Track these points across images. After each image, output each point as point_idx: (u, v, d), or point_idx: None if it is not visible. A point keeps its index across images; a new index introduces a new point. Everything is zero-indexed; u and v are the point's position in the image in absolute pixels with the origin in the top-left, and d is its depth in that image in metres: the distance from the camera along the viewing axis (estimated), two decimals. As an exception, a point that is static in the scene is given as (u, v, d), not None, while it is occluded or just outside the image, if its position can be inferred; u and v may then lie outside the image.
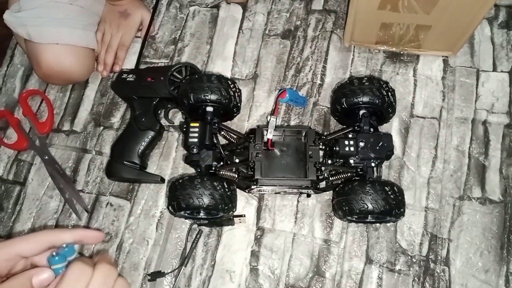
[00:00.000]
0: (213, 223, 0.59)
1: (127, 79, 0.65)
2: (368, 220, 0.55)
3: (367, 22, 0.62)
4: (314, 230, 0.59)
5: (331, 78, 0.67)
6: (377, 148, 0.54)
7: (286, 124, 0.65)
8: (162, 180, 0.63)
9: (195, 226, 0.60)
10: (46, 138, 0.69)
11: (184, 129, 0.57)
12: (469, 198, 0.59)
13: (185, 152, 0.61)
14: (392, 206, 0.51)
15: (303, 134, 0.59)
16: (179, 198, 0.52)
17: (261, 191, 0.59)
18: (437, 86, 0.66)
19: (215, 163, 0.56)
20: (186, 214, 0.55)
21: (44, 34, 0.64)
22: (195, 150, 0.55)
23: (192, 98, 0.56)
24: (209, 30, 0.73)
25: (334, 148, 0.56)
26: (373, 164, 0.54)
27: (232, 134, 0.60)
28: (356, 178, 0.56)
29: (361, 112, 0.57)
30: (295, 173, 0.57)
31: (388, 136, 0.55)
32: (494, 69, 0.66)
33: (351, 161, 0.55)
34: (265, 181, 0.55)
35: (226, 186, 0.53)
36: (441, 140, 0.63)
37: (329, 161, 0.58)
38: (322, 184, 0.59)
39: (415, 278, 0.56)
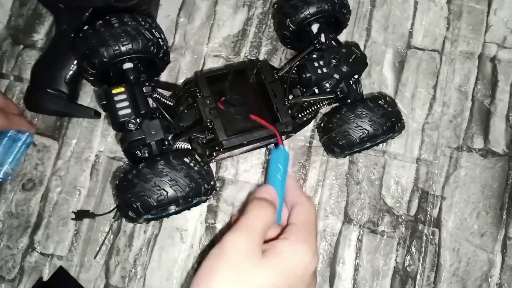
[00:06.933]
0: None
1: (52, -19, 0.50)
2: (370, 144, 0.46)
3: None
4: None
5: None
6: (351, 61, 0.44)
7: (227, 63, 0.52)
8: (97, 114, 0.50)
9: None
10: (-51, 57, 0.54)
11: (105, 103, 0.40)
12: (469, 149, 0.50)
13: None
14: (393, 120, 0.43)
15: (255, 71, 0.47)
16: (142, 197, 0.36)
17: (223, 157, 0.48)
18: (442, 11, 0.54)
19: (168, 134, 0.42)
20: (150, 216, 0.40)
21: None
22: (132, 126, 0.39)
23: (106, 55, 0.40)
24: None
25: (303, 76, 0.45)
26: (352, 82, 0.45)
27: (165, 95, 0.45)
28: (339, 104, 0.47)
29: (314, 26, 0.47)
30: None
31: (356, 45, 0.46)
32: (511, -7, 0.54)
33: (327, 85, 0.45)
34: (233, 141, 0.43)
35: (200, 160, 0.39)
36: (442, 78, 0.52)
37: (292, 96, 0.47)
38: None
39: (400, 241, 0.48)
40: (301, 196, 0.37)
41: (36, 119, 0.51)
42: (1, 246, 0.49)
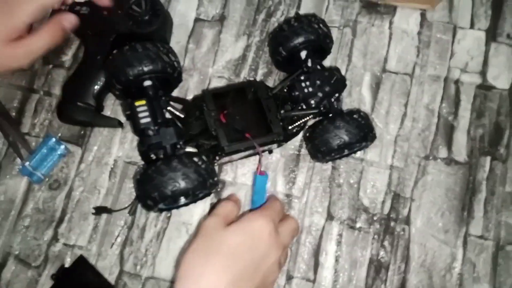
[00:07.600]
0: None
1: (80, 12, 0.58)
2: (348, 152, 0.54)
3: (345, -35, 0.57)
4: (276, 184, 0.57)
5: (303, 25, 0.63)
6: (332, 82, 0.53)
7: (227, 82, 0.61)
8: (120, 124, 0.58)
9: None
10: (-13, 74, 0.62)
11: (129, 113, 0.49)
12: (434, 158, 0.58)
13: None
14: (366, 131, 0.52)
15: (252, 90, 0.54)
16: (160, 187, 0.44)
17: (224, 161, 0.56)
18: (413, 41, 0.63)
19: (180, 139, 0.50)
20: (164, 206, 0.49)
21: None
22: (151, 132, 0.48)
23: (131, 74, 0.48)
24: (174, -36, 0.66)
25: (293, 94, 0.54)
26: (333, 99, 0.54)
27: (177, 107, 0.54)
28: (321, 118, 0.54)
29: (303, 53, 0.55)
30: (258, 132, 0.52)
31: (337, 69, 0.55)
32: (472, 27, 0.63)
33: (312, 102, 0.53)
34: (233, 147, 0.51)
35: (205, 160, 0.48)
36: (412, 97, 0.60)
37: (283, 110, 0.55)
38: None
39: (375, 236, 0.56)
40: (271, 198, 0.50)
41: (63, 128, 0.60)
42: (29, 237, 0.56)
